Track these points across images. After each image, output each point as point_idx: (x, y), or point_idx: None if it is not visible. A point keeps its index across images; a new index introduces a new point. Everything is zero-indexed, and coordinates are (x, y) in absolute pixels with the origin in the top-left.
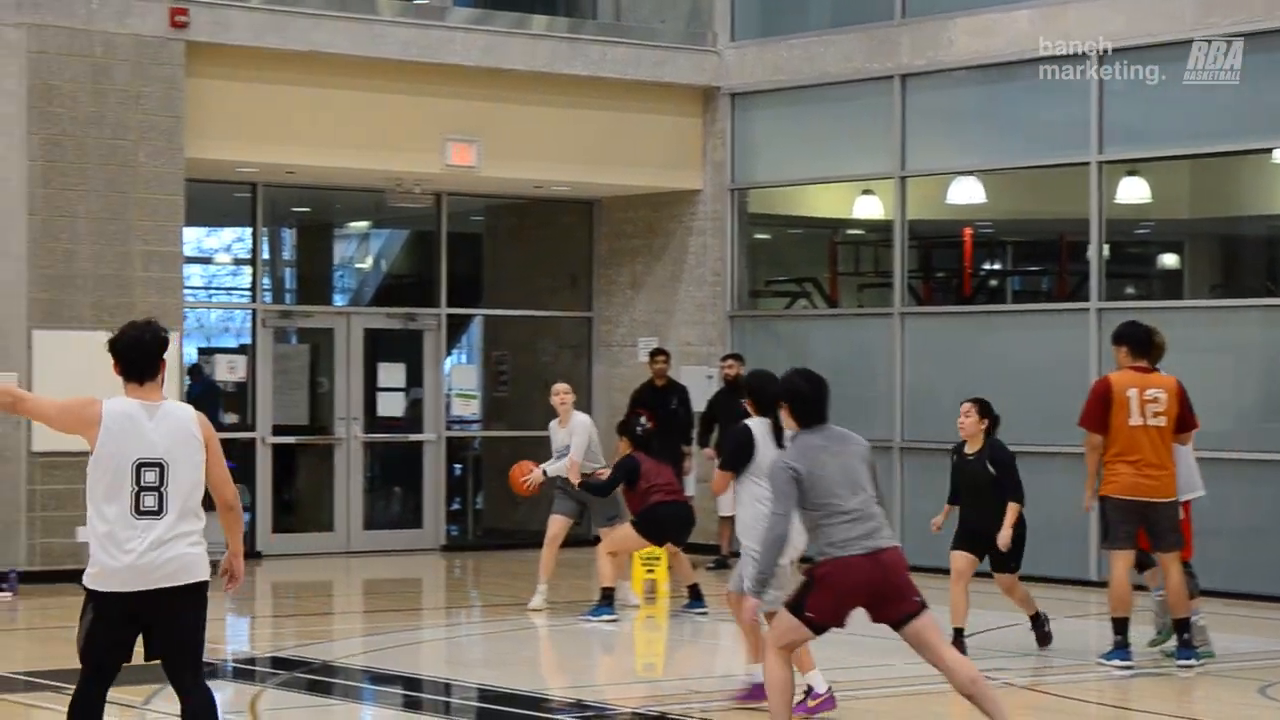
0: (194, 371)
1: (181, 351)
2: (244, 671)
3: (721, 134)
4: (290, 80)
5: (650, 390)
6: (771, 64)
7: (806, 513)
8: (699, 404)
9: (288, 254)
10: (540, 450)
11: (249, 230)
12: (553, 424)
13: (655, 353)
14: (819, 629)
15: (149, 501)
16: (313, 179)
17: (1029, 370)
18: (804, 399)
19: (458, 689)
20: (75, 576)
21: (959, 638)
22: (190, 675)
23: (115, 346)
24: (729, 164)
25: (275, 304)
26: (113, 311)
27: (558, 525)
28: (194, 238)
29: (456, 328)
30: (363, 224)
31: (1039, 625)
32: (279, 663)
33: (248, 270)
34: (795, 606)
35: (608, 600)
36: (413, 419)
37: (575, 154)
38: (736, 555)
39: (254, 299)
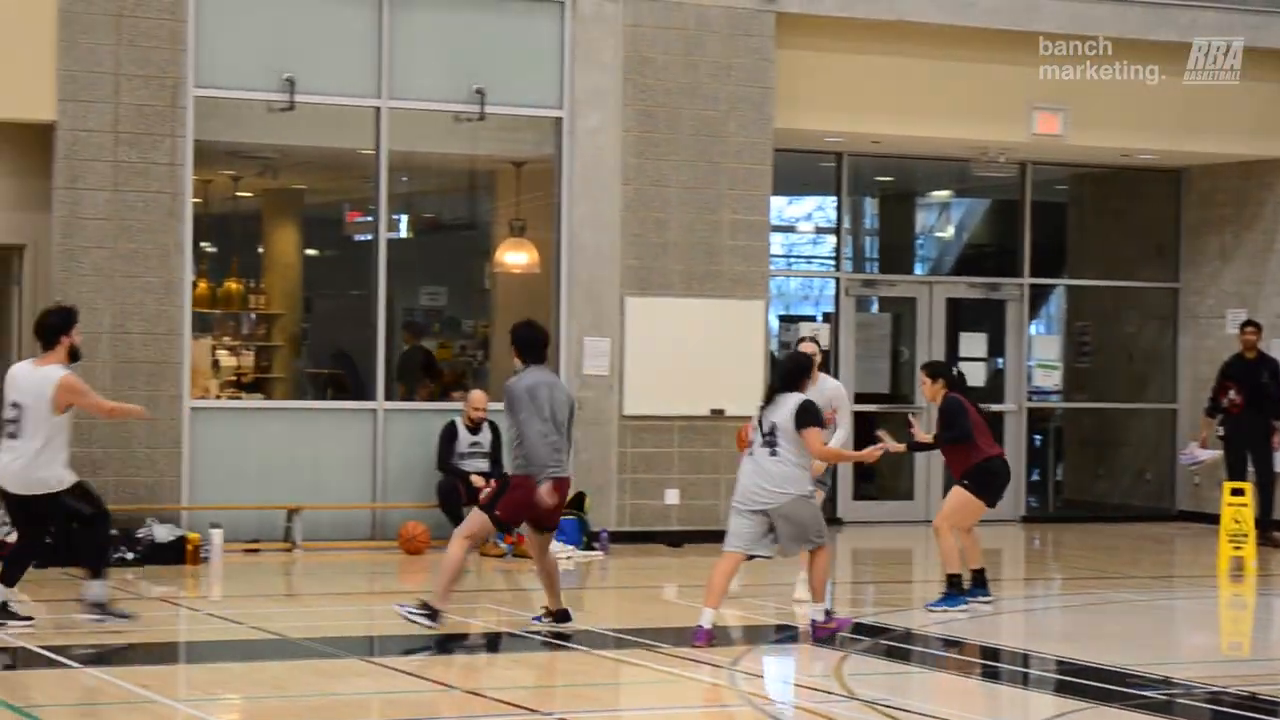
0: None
1: (767, 320)
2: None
3: None
4: (877, 50)
5: (1240, 363)
6: None
7: (521, 421)
8: None
9: (869, 222)
10: (1120, 421)
11: (832, 199)
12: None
13: (1246, 324)
14: (503, 527)
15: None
16: (896, 148)
17: None
18: (529, 342)
19: (1037, 661)
20: (663, 538)
21: None
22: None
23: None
24: None
25: (856, 272)
26: (701, 279)
27: None
28: (775, 206)
29: (1039, 298)
30: (944, 193)
31: None
32: (860, 629)
33: (828, 239)
34: (488, 507)
35: (956, 587)
36: (994, 388)
37: (1163, 122)
38: None
39: (837, 267)
